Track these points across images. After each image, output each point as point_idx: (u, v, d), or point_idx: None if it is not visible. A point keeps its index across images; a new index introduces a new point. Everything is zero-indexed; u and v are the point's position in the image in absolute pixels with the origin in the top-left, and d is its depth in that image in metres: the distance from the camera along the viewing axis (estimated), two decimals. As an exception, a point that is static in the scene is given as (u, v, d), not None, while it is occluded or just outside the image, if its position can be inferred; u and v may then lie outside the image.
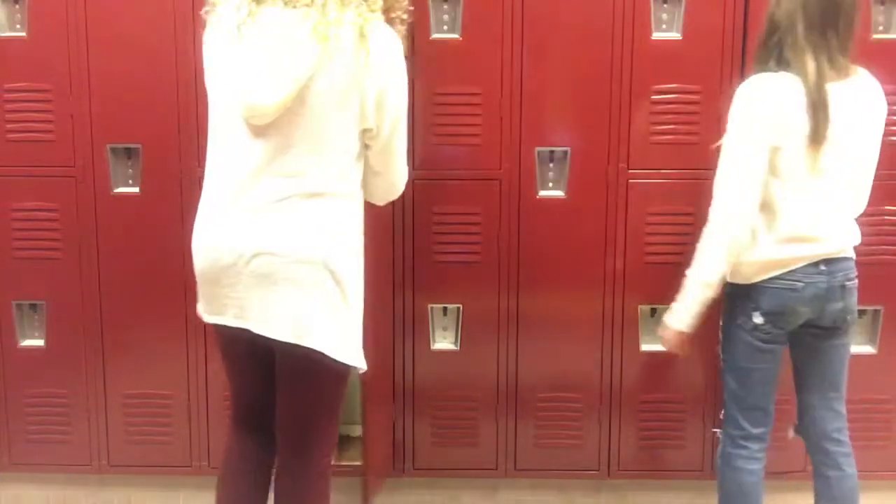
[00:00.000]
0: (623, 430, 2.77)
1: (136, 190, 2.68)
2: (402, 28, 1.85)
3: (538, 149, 2.66)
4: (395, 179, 1.94)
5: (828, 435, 2.25)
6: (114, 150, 2.66)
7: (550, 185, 2.69)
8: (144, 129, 2.64)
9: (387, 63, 1.76)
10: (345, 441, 3.09)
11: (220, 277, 1.81)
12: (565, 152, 2.67)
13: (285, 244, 1.76)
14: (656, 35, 2.61)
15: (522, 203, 2.68)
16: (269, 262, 1.75)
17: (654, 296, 2.70)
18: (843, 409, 2.25)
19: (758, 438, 2.24)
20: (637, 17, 2.59)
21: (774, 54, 2.08)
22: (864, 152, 2.14)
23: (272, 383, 1.93)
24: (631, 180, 2.66)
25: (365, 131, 1.80)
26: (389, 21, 1.81)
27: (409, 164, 2.00)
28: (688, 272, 2.19)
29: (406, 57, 1.84)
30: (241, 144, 1.76)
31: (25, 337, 2.77)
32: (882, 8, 2.61)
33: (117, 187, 2.68)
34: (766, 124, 2.05)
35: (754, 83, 2.09)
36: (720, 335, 2.28)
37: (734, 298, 2.21)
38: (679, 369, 2.74)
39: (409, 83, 1.86)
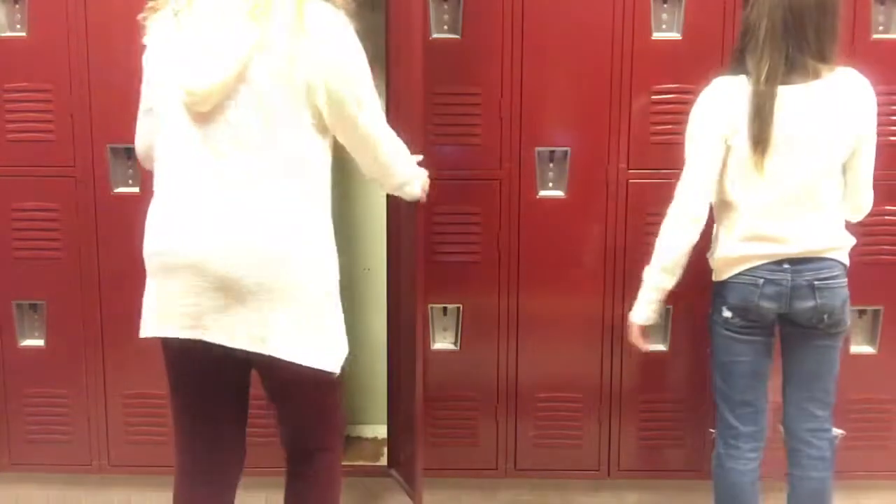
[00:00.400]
0: (623, 430, 2.77)
1: (136, 190, 2.68)
2: (348, 6, 1.77)
3: (538, 149, 2.66)
4: (380, 156, 1.87)
5: (797, 435, 2.25)
6: (114, 150, 2.66)
7: (550, 185, 2.69)
8: (144, 129, 2.64)
9: (327, 40, 1.70)
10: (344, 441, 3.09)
11: (179, 280, 1.70)
12: (565, 152, 2.67)
13: (253, 242, 1.67)
14: (656, 35, 2.61)
15: (522, 203, 2.68)
16: (235, 263, 1.67)
17: (654, 296, 2.71)
18: (819, 411, 2.23)
19: (749, 437, 2.23)
20: (637, 17, 2.59)
21: (742, 57, 2.13)
22: (835, 154, 2.10)
23: (235, 411, 1.86)
24: (631, 180, 2.66)
25: (320, 114, 1.73)
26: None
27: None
28: (646, 268, 2.27)
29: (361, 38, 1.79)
30: (188, 137, 1.70)
31: (25, 337, 2.77)
32: (882, 8, 2.61)
33: (117, 187, 2.68)
34: (717, 123, 2.12)
35: (712, 85, 2.17)
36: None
37: (713, 295, 2.27)
38: (679, 369, 2.74)
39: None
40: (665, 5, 2.61)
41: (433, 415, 2.75)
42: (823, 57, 2.07)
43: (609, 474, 2.79)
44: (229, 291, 1.68)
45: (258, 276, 1.67)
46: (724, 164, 2.14)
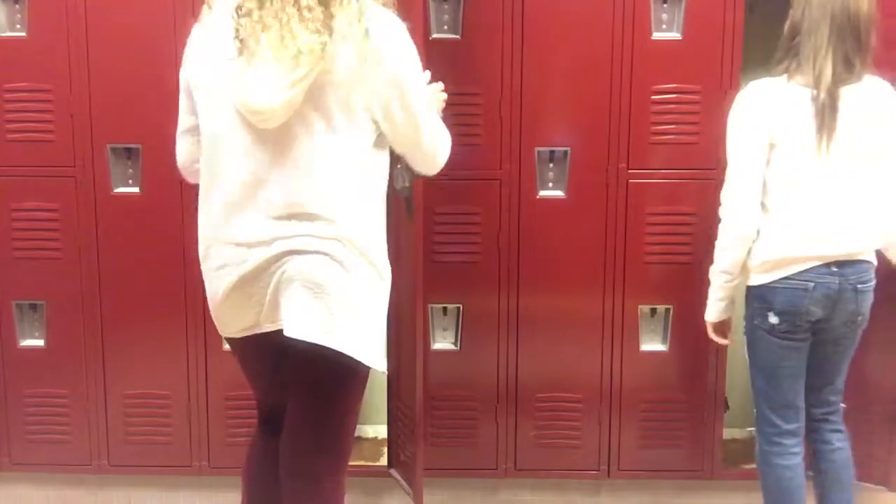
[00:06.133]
0: (623, 430, 2.76)
1: (136, 190, 2.68)
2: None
3: (538, 149, 2.66)
4: (436, 151, 1.87)
5: (815, 417, 2.31)
6: (114, 150, 2.66)
7: (550, 185, 2.69)
8: (144, 129, 2.64)
9: (392, 52, 1.70)
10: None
11: (251, 282, 1.73)
12: (565, 152, 2.67)
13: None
14: (656, 35, 2.61)
15: (522, 203, 2.68)
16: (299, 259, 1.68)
17: (654, 296, 2.71)
18: (834, 397, 2.31)
19: (791, 434, 2.26)
20: (637, 16, 2.59)
21: (790, 57, 2.14)
22: (877, 154, 2.14)
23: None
24: (631, 180, 2.66)
25: (376, 122, 1.73)
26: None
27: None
28: (710, 268, 2.30)
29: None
30: (246, 148, 1.68)
31: (25, 337, 2.77)
32: (882, 8, 2.61)
33: (117, 187, 2.68)
34: (762, 126, 2.13)
35: (751, 89, 2.18)
36: (745, 336, 2.31)
37: (751, 299, 2.25)
38: (679, 369, 2.74)
39: None
40: (665, 5, 2.61)
41: (433, 415, 2.75)
42: (866, 59, 2.11)
43: (609, 474, 2.79)
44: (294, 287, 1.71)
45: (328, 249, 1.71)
46: (771, 166, 2.14)
